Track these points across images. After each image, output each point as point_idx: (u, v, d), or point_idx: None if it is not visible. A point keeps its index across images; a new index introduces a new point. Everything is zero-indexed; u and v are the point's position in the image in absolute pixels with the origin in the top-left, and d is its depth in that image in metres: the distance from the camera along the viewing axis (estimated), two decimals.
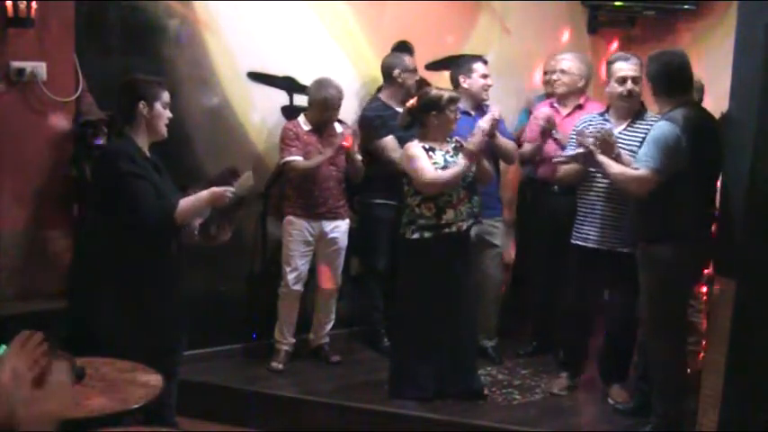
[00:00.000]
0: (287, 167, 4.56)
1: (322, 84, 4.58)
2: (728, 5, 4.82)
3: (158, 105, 3.36)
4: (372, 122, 4.84)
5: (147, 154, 3.36)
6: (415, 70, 4.91)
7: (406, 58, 4.90)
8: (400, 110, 4.79)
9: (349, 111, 4.83)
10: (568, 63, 4.78)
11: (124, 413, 2.70)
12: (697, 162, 3.65)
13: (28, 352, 1.70)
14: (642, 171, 3.69)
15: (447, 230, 4.14)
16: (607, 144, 3.93)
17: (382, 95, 4.92)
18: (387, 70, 4.90)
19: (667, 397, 3.86)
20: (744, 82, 3.49)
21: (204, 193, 3.28)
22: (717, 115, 4.30)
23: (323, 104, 4.54)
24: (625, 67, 4.13)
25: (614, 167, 3.88)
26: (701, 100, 4.52)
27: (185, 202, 3.26)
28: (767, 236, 3.42)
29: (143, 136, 3.34)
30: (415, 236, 4.15)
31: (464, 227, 4.19)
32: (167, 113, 3.40)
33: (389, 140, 4.78)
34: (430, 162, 4.12)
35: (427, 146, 4.17)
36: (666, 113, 3.74)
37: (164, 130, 3.40)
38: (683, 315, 3.94)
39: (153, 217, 3.22)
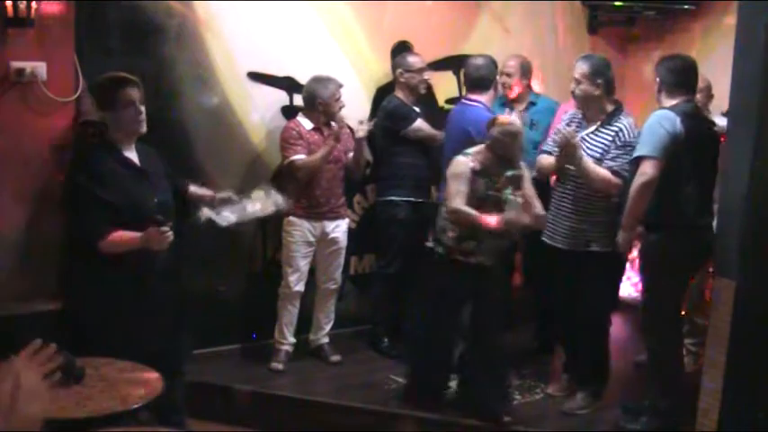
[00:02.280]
0: (293, 167, 4.54)
1: (323, 81, 4.58)
2: (728, 5, 4.83)
3: (119, 109, 3.28)
4: (399, 112, 4.86)
5: (127, 154, 3.31)
6: (419, 70, 4.89)
7: (410, 59, 4.90)
8: (416, 108, 4.87)
9: (348, 110, 4.82)
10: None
11: (124, 413, 2.70)
12: (694, 151, 3.78)
13: (38, 363, 1.70)
14: (641, 167, 3.76)
15: (462, 259, 3.93)
16: (569, 146, 3.93)
17: (398, 94, 4.94)
18: (393, 70, 4.96)
19: (664, 393, 3.90)
20: (744, 82, 3.48)
21: (139, 236, 3.15)
22: (717, 115, 4.36)
23: (331, 100, 4.55)
24: (576, 68, 4.15)
25: (592, 169, 3.92)
26: (710, 97, 4.66)
27: (118, 237, 3.17)
28: (767, 236, 3.42)
29: (121, 136, 3.31)
30: (431, 246, 4.05)
31: (486, 263, 3.94)
32: (132, 111, 3.28)
33: (420, 122, 4.85)
34: (466, 189, 3.87)
35: (478, 167, 3.92)
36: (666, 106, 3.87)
37: (134, 128, 3.30)
38: (677, 308, 4.01)
39: (79, 235, 3.28)
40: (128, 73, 3.81)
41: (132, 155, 3.35)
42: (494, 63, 4.68)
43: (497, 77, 4.83)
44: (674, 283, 3.95)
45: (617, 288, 4.39)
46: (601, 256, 4.02)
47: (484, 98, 4.63)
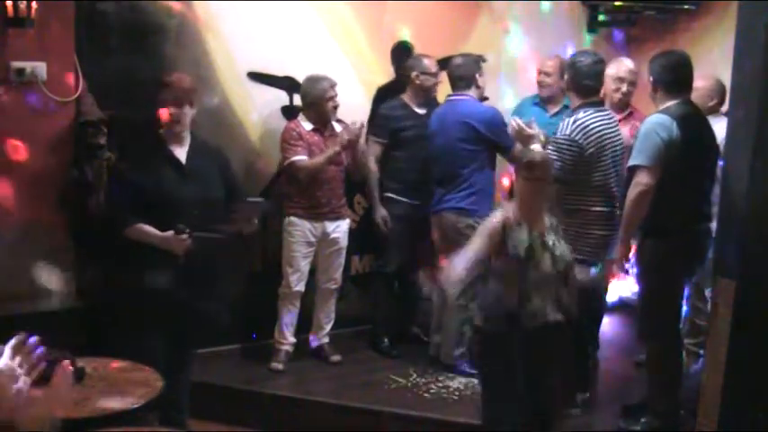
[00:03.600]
0: (294, 168, 4.53)
1: (314, 80, 4.58)
2: (728, 5, 4.82)
3: (158, 108, 3.46)
4: (378, 118, 4.89)
5: (174, 149, 3.50)
6: (434, 73, 4.88)
7: (426, 61, 4.89)
8: (420, 111, 4.86)
9: (348, 110, 4.82)
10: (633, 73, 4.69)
11: (124, 413, 2.70)
12: (691, 156, 3.74)
13: (24, 355, 1.71)
14: (636, 177, 3.74)
15: (531, 323, 3.32)
16: (519, 137, 4.09)
17: (405, 96, 4.94)
18: (407, 72, 4.93)
19: (662, 394, 3.90)
20: (744, 82, 3.49)
21: (159, 235, 3.38)
22: (718, 115, 4.35)
23: (322, 99, 4.54)
24: None
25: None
26: (722, 101, 4.55)
27: (142, 230, 3.40)
28: (767, 236, 3.42)
29: (164, 133, 3.52)
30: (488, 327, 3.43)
31: (550, 318, 3.35)
32: (167, 113, 3.47)
33: (374, 147, 4.84)
34: (492, 244, 3.33)
35: (513, 218, 3.36)
36: (661, 109, 3.84)
37: (171, 129, 3.50)
38: (675, 311, 4.00)
39: (108, 221, 3.53)
40: (128, 73, 3.85)
41: (180, 151, 3.52)
42: (475, 62, 4.67)
43: (537, 77, 5.02)
44: (672, 287, 3.93)
45: (605, 294, 4.37)
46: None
47: (470, 93, 4.63)
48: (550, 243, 3.39)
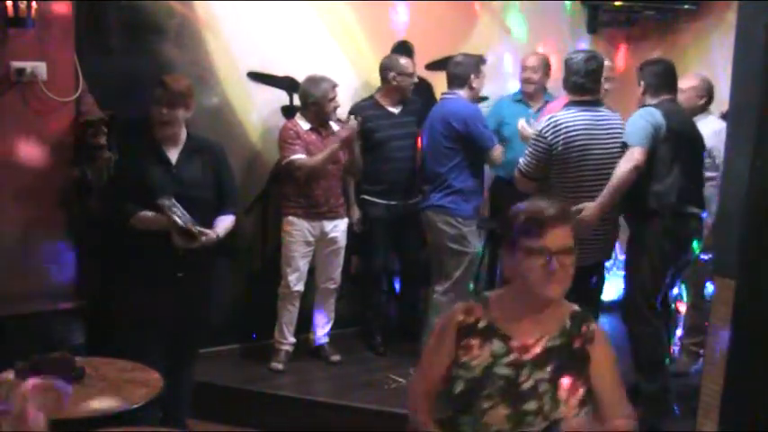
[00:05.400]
0: (293, 166, 4.53)
1: (315, 80, 4.58)
2: (728, 5, 4.83)
3: (153, 109, 3.50)
4: (361, 113, 4.86)
5: (166, 149, 3.54)
6: (411, 74, 4.87)
7: (403, 61, 4.87)
8: (393, 110, 4.86)
9: (347, 111, 4.83)
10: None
11: (127, 413, 2.70)
12: (676, 143, 3.95)
13: (45, 397, 1.73)
14: (628, 153, 3.90)
15: None
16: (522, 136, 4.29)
17: (377, 95, 4.93)
18: (382, 72, 4.90)
19: (648, 379, 4.01)
20: (744, 82, 3.49)
21: (160, 218, 3.42)
22: (716, 115, 4.38)
23: (324, 100, 4.54)
24: None
25: None
26: (710, 99, 4.68)
27: (145, 216, 3.46)
28: (767, 236, 3.42)
29: (161, 134, 3.57)
30: None
31: None
32: (154, 111, 3.52)
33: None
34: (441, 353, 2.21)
35: (497, 323, 2.19)
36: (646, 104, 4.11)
37: (163, 130, 3.53)
38: (655, 293, 4.07)
39: (110, 213, 3.62)
40: (128, 73, 3.84)
41: (173, 152, 3.56)
42: (475, 63, 4.69)
43: (520, 74, 5.05)
44: (657, 267, 4.02)
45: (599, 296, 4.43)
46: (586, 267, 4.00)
47: (461, 93, 4.66)
48: (541, 388, 2.12)
